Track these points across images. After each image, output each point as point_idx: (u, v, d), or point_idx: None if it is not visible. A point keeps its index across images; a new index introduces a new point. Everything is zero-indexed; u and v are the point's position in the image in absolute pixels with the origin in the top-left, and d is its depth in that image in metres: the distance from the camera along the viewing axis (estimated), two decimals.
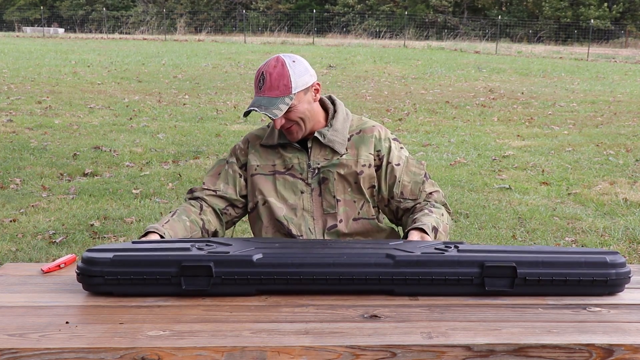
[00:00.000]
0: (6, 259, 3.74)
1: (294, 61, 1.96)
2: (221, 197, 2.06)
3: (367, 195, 2.05)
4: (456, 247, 1.63)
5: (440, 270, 1.53)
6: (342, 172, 2.02)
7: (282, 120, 1.95)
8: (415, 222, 1.92)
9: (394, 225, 2.19)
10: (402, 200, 2.05)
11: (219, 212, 2.05)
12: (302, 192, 2.03)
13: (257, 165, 2.07)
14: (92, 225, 4.41)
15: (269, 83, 1.91)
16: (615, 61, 21.78)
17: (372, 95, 11.86)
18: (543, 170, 6.24)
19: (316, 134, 2.02)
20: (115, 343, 1.31)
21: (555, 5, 32.77)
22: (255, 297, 1.55)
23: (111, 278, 1.52)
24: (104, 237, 4.20)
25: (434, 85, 13.73)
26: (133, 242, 1.70)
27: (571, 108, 10.74)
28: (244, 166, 2.09)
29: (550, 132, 8.48)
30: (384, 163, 2.05)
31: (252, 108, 1.93)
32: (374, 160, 2.05)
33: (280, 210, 2.03)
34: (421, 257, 1.55)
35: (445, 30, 31.37)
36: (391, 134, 2.12)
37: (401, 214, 2.08)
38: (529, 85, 14.08)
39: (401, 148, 2.10)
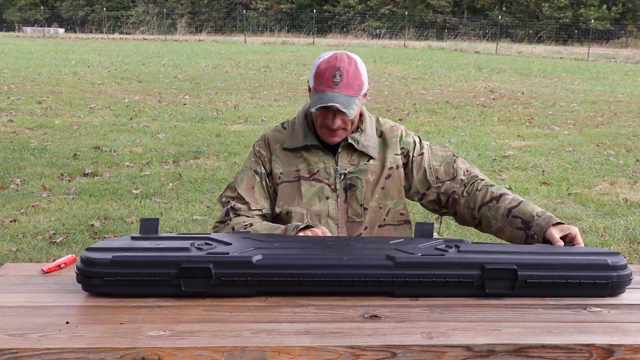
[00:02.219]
0: (6, 259, 3.74)
1: (361, 62, 1.93)
2: (265, 215, 1.99)
3: (395, 199, 1.99)
4: (457, 246, 1.62)
5: (440, 272, 1.53)
6: (370, 178, 1.96)
7: (341, 121, 1.89)
8: (524, 215, 1.81)
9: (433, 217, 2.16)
10: (440, 184, 1.98)
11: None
12: (327, 198, 1.96)
13: (281, 173, 1.99)
14: (92, 225, 4.41)
15: (346, 80, 1.85)
16: (616, 61, 21.78)
17: (372, 95, 11.86)
18: (543, 171, 6.24)
19: (350, 140, 1.95)
20: (115, 343, 1.31)
21: (556, 4, 32.76)
22: (255, 297, 1.55)
23: (110, 279, 1.52)
24: (104, 237, 4.20)
25: (434, 85, 13.73)
26: (132, 238, 1.68)
27: (571, 108, 10.73)
28: (270, 174, 2.01)
29: (550, 132, 8.48)
30: (410, 158, 2.00)
31: (333, 104, 1.82)
32: (401, 159, 2.00)
33: (303, 217, 1.95)
34: (421, 259, 1.55)
35: (446, 31, 31.39)
36: (410, 131, 2.09)
37: (445, 200, 2.00)
38: (529, 85, 14.08)
39: (421, 140, 2.06)
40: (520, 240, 1.83)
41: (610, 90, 13.33)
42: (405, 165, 2.01)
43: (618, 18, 31.98)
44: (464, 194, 1.97)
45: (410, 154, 2.00)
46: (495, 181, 5.74)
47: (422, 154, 2.01)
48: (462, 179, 1.97)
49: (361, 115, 2.00)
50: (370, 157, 1.98)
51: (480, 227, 1.97)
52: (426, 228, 1.76)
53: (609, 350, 1.33)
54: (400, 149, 2.01)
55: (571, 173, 6.15)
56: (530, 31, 31.92)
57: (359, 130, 1.99)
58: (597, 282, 1.55)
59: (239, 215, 1.95)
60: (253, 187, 1.99)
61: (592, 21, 28.09)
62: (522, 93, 12.64)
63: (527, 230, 1.80)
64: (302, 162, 1.98)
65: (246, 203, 1.97)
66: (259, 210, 1.97)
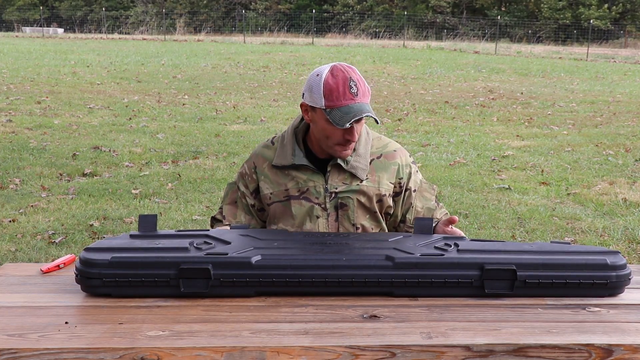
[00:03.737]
0: (6, 259, 3.74)
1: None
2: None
3: (383, 223, 2.00)
4: (456, 245, 1.62)
5: (439, 273, 1.53)
6: (362, 199, 1.94)
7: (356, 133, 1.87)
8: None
9: None
10: (412, 226, 1.98)
11: None
12: (317, 217, 1.94)
13: (271, 193, 1.97)
14: (91, 225, 4.40)
15: (363, 89, 1.84)
16: (615, 61, 21.79)
17: (372, 95, 11.81)
18: (542, 171, 6.24)
19: (339, 160, 1.92)
20: (114, 343, 1.31)
21: (554, 5, 32.77)
22: (254, 297, 1.55)
23: (109, 280, 1.52)
24: (104, 237, 4.20)
25: (434, 85, 13.73)
26: (131, 236, 1.68)
27: (570, 108, 10.74)
28: (254, 192, 2.01)
29: (549, 132, 8.48)
30: (404, 190, 1.99)
31: (368, 114, 1.80)
32: (395, 188, 1.99)
33: None
34: (420, 259, 1.55)
35: (445, 31, 31.39)
36: (409, 156, 2.06)
37: (401, 228, 2.06)
38: (528, 85, 14.08)
39: (417, 171, 2.04)
40: None
41: (609, 90, 13.34)
42: (396, 195, 2.00)
43: (617, 18, 32.00)
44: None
45: (405, 186, 2.00)
46: (494, 181, 5.77)
47: (415, 190, 2.01)
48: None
49: None
50: (360, 178, 1.95)
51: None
52: (425, 223, 1.75)
53: (608, 350, 1.33)
54: (397, 178, 1.99)
55: (570, 173, 6.16)
56: (529, 31, 31.94)
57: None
58: (596, 282, 1.55)
59: (218, 223, 2.05)
60: (236, 202, 2.04)
61: (592, 20, 28.09)
62: (521, 93, 12.64)
63: None
64: (291, 180, 1.95)
65: (224, 217, 2.04)
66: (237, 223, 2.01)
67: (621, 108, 10.80)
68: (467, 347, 1.32)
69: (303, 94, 1.90)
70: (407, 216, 2.01)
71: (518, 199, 5.24)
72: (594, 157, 6.86)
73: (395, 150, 2.01)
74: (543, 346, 1.33)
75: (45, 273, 1.75)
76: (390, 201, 1.98)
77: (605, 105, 11.10)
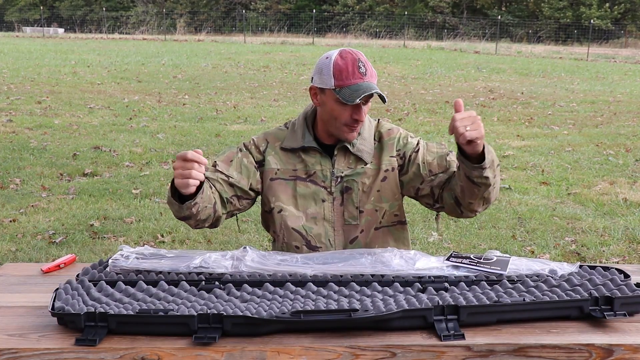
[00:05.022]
0: (6, 259, 3.74)
1: None
2: (232, 185, 1.94)
3: (390, 201, 1.98)
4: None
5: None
6: (366, 182, 1.96)
7: (363, 113, 1.90)
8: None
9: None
10: (433, 177, 1.94)
11: (224, 200, 1.93)
12: (323, 201, 1.95)
13: (278, 169, 1.98)
14: (91, 225, 4.40)
15: (370, 71, 1.88)
16: (615, 61, 21.78)
17: None
18: (543, 170, 6.24)
19: (345, 143, 1.95)
20: (115, 343, 1.31)
21: (555, 5, 32.76)
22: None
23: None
24: (104, 237, 4.20)
25: (434, 85, 13.73)
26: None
27: (571, 108, 10.73)
28: (259, 163, 1.99)
29: (550, 132, 8.48)
30: (406, 159, 1.98)
31: (376, 91, 1.83)
32: (397, 160, 1.98)
33: (299, 219, 1.95)
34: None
35: (445, 30, 31.38)
36: (411, 134, 2.06)
37: (438, 193, 1.94)
38: (528, 85, 14.07)
39: (419, 141, 2.02)
40: (469, 184, 1.78)
41: (609, 90, 13.33)
42: (401, 167, 1.99)
43: (618, 18, 31.98)
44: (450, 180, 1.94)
45: (407, 154, 1.98)
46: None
47: (418, 150, 1.98)
48: (454, 171, 1.91)
49: None
50: (366, 161, 1.97)
51: (457, 201, 1.89)
52: None
53: (608, 350, 1.33)
54: (397, 150, 1.99)
55: (571, 173, 6.15)
56: (530, 31, 31.91)
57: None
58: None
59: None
60: (231, 160, 1.97)
61: (593, 20, 28.08)
62: (522, 93, 12.64)
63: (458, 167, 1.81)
64: (300, 163, 1.97)
65: (215, 165, 1.96)
66: (225, 176, 1.94)
67: (622, 108, 10.80)
68: (467, 347, 1.32)
69: (312, 77, 1.94)
70: (422, 173, 1.92)
71: (518, 198, 5.24)
72: (594, 157, 6.86)
73: (390, 129, 2.03)
74: (543, 346, 1.33)
75: (45, 273, 1.75)
76: (396, 175, 1.97)
77: (605, 105, 11.10)
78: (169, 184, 1.78)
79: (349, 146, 1.95)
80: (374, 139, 2.01)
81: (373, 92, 1.83)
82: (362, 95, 1.82)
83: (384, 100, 1.86)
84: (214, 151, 6.81)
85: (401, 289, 1.54)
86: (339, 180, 1.96)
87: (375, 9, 35.31)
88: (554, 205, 5.09)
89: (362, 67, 1.85)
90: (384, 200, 1.97)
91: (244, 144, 2.04)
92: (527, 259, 1.72)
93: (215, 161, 1.98)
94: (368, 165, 1.97)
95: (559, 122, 9.23)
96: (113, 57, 18.41)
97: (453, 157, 1.93)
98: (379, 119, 2.08)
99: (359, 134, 1.97)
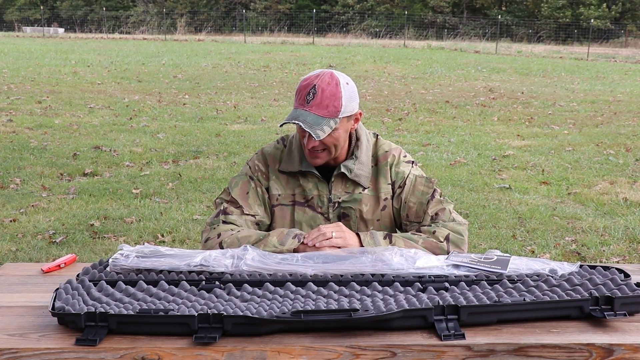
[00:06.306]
0: (6, 259, 3.74)
1: (347, 83, 1.83)
2: (258, 223, 1.95)
3: (389, 229, 1.97)
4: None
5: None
6: (364, 209, 1.94)
7: (316, 142, 1.81)
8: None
9: None
10: (408, 223, 1.95)
11: None
12: None
13: (279, 195, 1.96)
14: (92, 225, 4.40)
15: (319, 100, 1.78)
16: (615, 61, 21.78)
17: (372, 95, 11.86)
18: (543, 170, 6.24)
19: (342, 169, 1.91)
20: (115, 343, 1.31)
21: (554, 4, 32.75)
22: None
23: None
24: (104, 237, 4.20)
25: (434, 85, 13.73)
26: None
27: (571, 108, 10.73)
28: (266, 189, 1.98)
29: (550, 131, 8.48)
30: (396, 189, 1.96)
31: (296, 121, 1.77)
32: (391, 189, 1.96)
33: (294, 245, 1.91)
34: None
35: (445, 30, 31.36)
36: (404, 155, 2.01)
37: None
38: (529, 85, 14.07)
39: (412, 168, 1.99)
40: None
41: (610, 90, 13.33)
42: (392, 195, 1.97)
43: (618, 17, 31.97)
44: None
45: (396, 185, 1.96)
46: (495, 181, 5.77)
47: (405, 185, 1.95)
48: (425, 225, 1.90)
49: (358, 139, 1.95)
50: (364, 186, 1.94)
51: None
52: None
53: (608, 349, 1.33)
54: (391, 179, 1.97)
55: (571, 172, 6.15)
56: (530, 31, 31.90)
57: (353, 157, 1.94)
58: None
59: (228, 219, 1.91)
60: (247, 193, 1.95)
61: (592, 20, 28.07)
62: (522, 93, 12.64)
63: None
64: (298, 187, 1.96)
65: (239, 207, 1.93)
66: (251, 216, 1.93)
67: (622, 107, 10.79)
68: (467, 347, 1.32)
69: None
70: (402, 213, 1.95)
71: (519, 198, 5.23)
72: (594, 157, 6.86)
73: (387, 151, 1.99)
74: (544, 346, 1.33)
75: (46, 273, 1.75)
76: (392, 203, 1.96)
77: (605, 105, 11.09)
78: (295, 243, 1.80)
79: (345, 172, 1.92)
80: (372, 162, 1.97)
81: (292, 121, 1.78)
82: (283, 122, 1.80)
83: (311, 136, 1.77)
84: (215, 151, 6.81)
85: (401, 288, 1.54)
86: (336, 205, 1.95)
87: (376, 8, 35.30)
88: (554, 205, 5.08)
89: (311, 95, 1.78)
90: (382, 228, 1.97)
91: (250, 170, 1.99)
92: (527, 259, 1.71)
93: (232, 196, 1.95)
94: (366, 191, 1.94)
95: (559, 122, 9.23)
96: (113, 56, 18.42)
97: (430, 208, 1.92)
98: (377, 137, 2.03)
99: (356, 157, 1.93)
